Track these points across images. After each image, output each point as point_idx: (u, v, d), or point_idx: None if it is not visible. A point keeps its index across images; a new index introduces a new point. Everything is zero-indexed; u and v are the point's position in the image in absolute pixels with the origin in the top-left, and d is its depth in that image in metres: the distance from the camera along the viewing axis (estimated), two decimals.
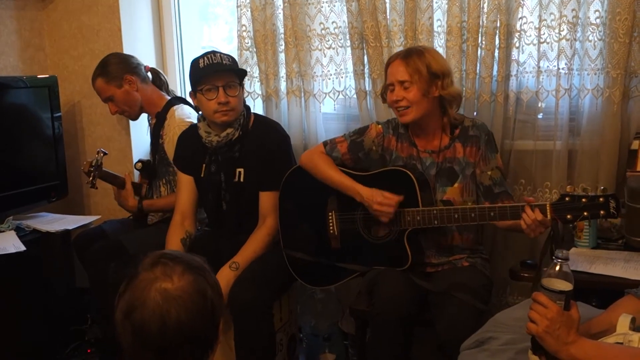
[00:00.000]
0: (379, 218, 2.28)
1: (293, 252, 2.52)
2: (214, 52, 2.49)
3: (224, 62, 2.47)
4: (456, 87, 2.34)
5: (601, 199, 1.95)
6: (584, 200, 1.97)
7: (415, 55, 2.28)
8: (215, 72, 2.44)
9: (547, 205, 2.02)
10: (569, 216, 1.99)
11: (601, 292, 2.09)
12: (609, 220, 2.37)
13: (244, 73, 2.57)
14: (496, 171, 2.33)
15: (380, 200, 2.25)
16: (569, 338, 1.49)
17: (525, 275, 2.27)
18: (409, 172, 2.27)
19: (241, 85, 2.53)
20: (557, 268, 1.54)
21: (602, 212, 1.95)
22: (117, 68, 2.88)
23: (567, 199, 1.99)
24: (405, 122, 2.32)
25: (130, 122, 3.25)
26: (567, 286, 1.53)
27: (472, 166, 2.34)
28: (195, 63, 2.48)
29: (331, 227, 2.45)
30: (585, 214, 1.97)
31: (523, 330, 1.74)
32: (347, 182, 2.36)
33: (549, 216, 2.02)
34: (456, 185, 2.33)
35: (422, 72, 2.24)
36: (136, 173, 3.11)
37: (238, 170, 2.56)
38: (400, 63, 2.29)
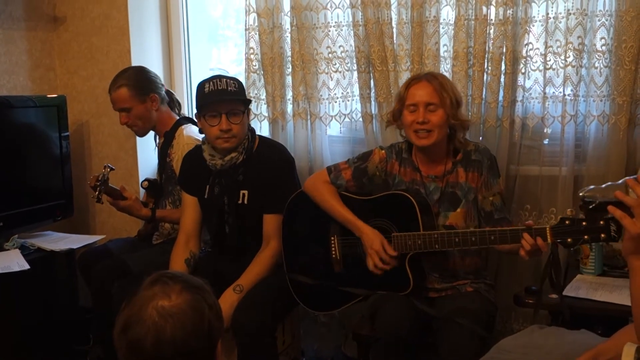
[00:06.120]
0: (368, 261, 2.28)
1: (296, 275, 2.51)
2: (220, 77, 2.46)
3: (228, 88, 2.43)
4: (466, 114, 2.34)
5: (602, 222, 1.90)
6: (584, 223, 1.92)
7: (440, 79, 2.28)
8: (219, 99, 2.41)
9: (547, 229, 2.00)
10: (569, 240, 1.95)
11: (606, 319, 2.07)
12: (613, 246, 2.35)
13: (248, 101, 2.55)
14: (497, 197, 2.32)
15: (378, 249, 2.24)
16: None
17: (530, 301, 2.25)
18: (410, 196, 2.26)
19: (246, 111, 2.49)
20: None
21: (602, 235, 1.90)
22: (148, 84, 2.86)
23: (567, 222, 1.96)
24: (423, 145, 2.28)
25: (138, 141, 3.27)
26: None
27: (473, 191, 2.33)
28: (201, 87, 2.46)
29: (333, 252, 2.44)
30: (585, 237, 1.92)
31: (527, 357, 1.72)
32: (349, 217, 2.35)
33: (549, 240, 1.99)
34: (459, 210, 2.32)
35: (450, 97, 2.24)
36: (142, 191, 3.12)
37: (242, 192, 2.55)
38: (427, 84, 2.26)
